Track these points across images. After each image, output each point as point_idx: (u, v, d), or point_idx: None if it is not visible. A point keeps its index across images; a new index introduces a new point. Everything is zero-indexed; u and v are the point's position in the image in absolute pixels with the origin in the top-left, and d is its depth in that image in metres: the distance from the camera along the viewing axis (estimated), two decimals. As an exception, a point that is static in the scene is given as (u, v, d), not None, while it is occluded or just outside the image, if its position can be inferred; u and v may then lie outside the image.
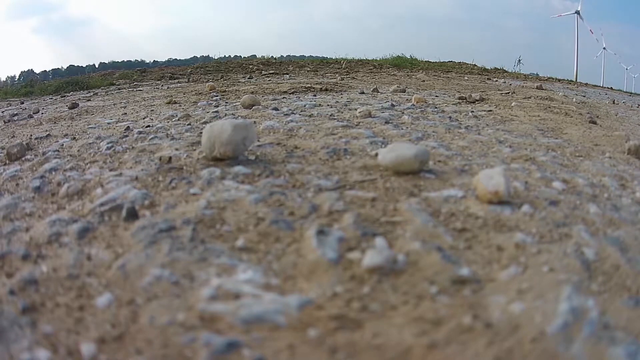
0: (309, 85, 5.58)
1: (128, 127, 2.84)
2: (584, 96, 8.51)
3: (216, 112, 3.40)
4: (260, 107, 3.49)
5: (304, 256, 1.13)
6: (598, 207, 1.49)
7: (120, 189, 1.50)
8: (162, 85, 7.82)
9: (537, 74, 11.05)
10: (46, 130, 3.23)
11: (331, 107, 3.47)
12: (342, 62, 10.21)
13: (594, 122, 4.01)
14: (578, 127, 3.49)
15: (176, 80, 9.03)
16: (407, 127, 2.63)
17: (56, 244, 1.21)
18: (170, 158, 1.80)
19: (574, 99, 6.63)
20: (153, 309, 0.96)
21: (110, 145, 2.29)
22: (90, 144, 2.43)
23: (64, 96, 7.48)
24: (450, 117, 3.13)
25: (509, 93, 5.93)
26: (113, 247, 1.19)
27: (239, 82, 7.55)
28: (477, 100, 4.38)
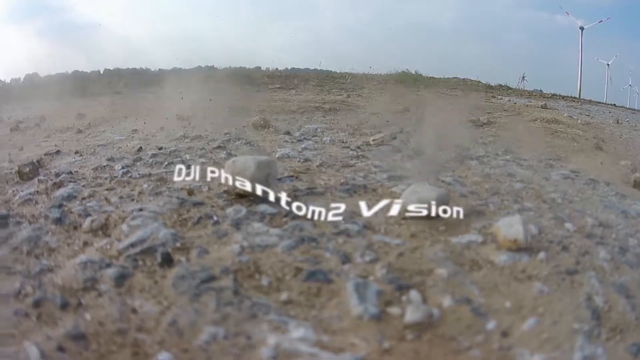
0: (317, 104, 5.64)
1: (140, 147, 2.84)
2: (588, 115, 8.57)
3: (227, 134, 3.39)
4: (271, 129, 3.51)
5: (346, 312, 1.18)
6: (606, 251, 1.57)
7: (148, 228, 1.51)
8: (168, 96, 7.82)
9: (540, 91, 11.07)
10: (55, 145, 3.20)
11: (342, 131, 3.51)
12: (347, 77, 10.26)
13: (600, 148, 4.07)
14: (585, 153, 3.58)
15: (182, 91, 9.04)
16: (420, 158, 2.68)
17: (94, 292, 1.21)
18: (192, 191, 1.82)
19: (579, 120, 6.69)
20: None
21: (125, 170, 2.28)
22: (104, 166, 2.40)
23: (69, 103, 7.48)
24: (461, 146, 3.17)
25: (514, 114, 5.99)
26: (156, 298, 1.20)
27: (247, 96, 7.56)
28: (485, 124, 4.43)
